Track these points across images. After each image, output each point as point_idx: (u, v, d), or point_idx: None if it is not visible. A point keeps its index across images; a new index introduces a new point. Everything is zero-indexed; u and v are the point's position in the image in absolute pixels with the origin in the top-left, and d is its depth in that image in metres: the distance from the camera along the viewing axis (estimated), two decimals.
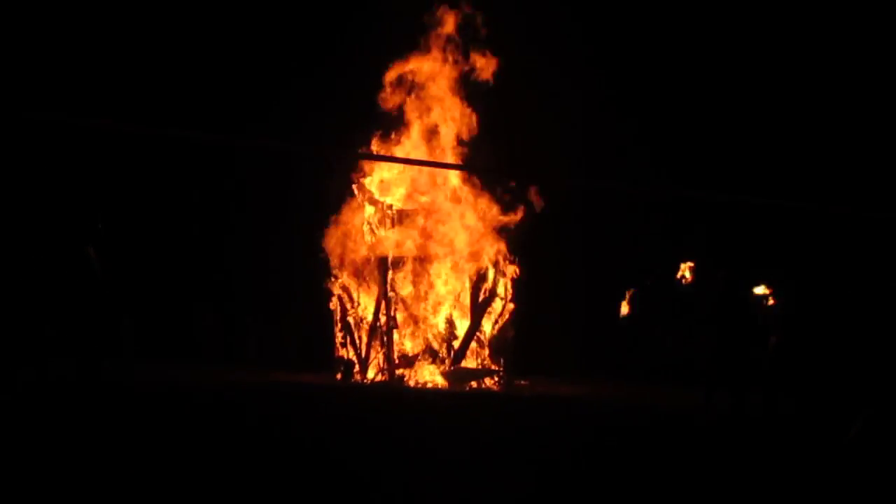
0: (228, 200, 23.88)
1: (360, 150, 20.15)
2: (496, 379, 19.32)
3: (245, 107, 23.15)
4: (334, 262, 20.05)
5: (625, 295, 14.00)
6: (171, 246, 23.99)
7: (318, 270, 20.54)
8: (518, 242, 20.04)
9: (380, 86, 20.22)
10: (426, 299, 19.74)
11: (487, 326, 19.75)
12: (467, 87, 20.20)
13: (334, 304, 20.06)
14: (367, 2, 21.39)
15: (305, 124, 22.57)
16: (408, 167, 20.21)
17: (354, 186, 20.23)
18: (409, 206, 20.23)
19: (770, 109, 23.59)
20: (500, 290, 19.88)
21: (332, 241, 20.00)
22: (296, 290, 23.23)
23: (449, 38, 20.20)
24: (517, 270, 20.01)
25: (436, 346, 19.44)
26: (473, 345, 19.60)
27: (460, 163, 19.94)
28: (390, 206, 20.19)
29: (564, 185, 22.57)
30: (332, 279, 20.08)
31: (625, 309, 13.83)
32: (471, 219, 19.91)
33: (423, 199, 20.24)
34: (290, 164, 22.50)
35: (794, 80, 23.44)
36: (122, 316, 19.30)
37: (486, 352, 19.65)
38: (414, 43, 20.26)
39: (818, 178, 22.24)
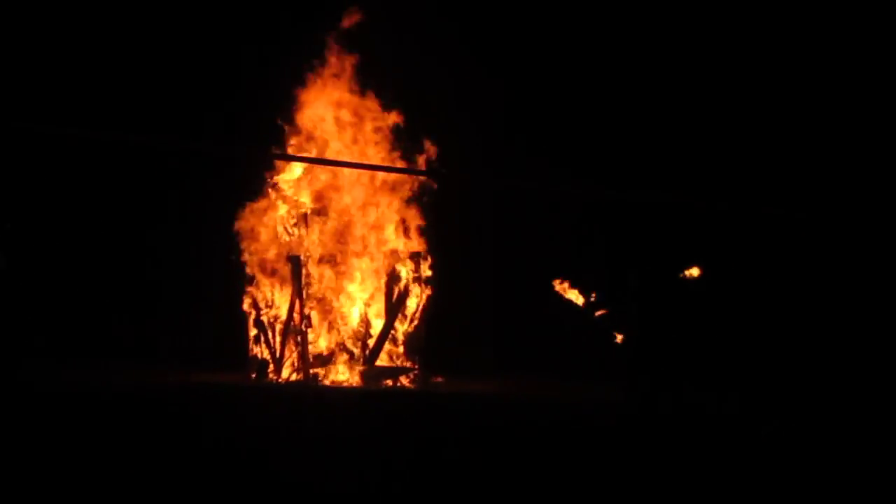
0: (140, 199, 23.54)
1: (274, 150, 20.03)
2: (411, 377, 19.40)
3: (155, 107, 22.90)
4: (247, 260, 19.96)
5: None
6: (83, 245, 23.60)
7: (231, 269, 20.43)
8: (434, 240, 20.14)
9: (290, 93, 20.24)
10: (340, 298, 19.75)
11: (402, 324, 19.82)
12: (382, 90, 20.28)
13: (248, 304, 19.95)
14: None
15: (215, 126, 22.40)
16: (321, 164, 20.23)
17: (268, 185, 20.14)
18: (322, 205, 20.21)
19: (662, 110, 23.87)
20: (415, 287, 19.96)
21: (245, 240, 19.89)
22: (209, 289, 23.01)
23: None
24: (431, 268, 20.11)
25: (350, 344, 19.46)
26: (388, 343, 19.66)
27: (381, 162, 19.91)
28: (303, 205, 20.14)
29: (486, 184, 22.77)
30: (246, 278, 19.98)
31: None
32: (385, 217, 19.96)
33: (337, 197, 20.23)
34: (204, 163, 22.28)
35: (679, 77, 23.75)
36: (28, 316, 19.09)
37: (401, 350, 19.72)
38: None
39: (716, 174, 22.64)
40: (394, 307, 19.79)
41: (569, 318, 21.45)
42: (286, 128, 20.20)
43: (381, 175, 19.98)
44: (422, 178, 19.92)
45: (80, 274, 23.46)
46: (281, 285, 19.84)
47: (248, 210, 20.09)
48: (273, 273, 19.93)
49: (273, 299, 19.88)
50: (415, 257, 20.09)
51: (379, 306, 19.87)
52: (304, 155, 19.85)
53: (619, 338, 15.08)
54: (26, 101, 21.82)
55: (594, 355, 19.83)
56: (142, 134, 18.22)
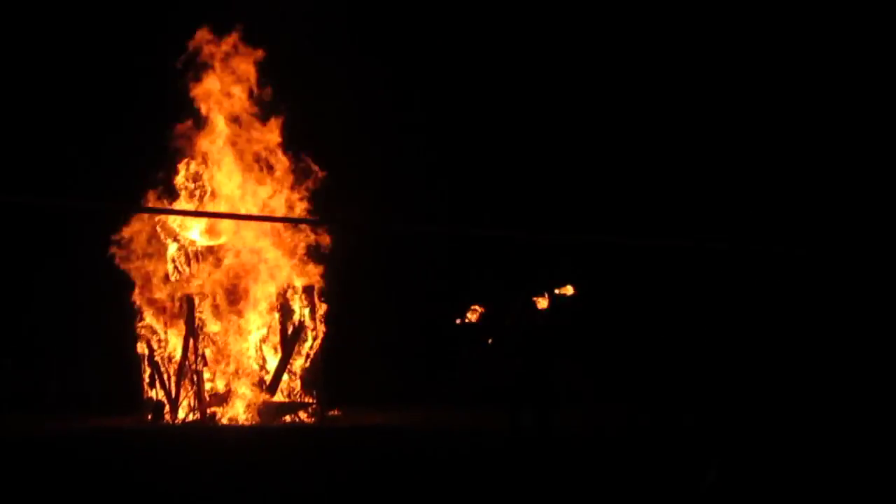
0: (24, 241, 23.17)
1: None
2: (309, 411, 19.40)
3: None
4: (139, 301, 19.77)
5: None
6: None
7: (122, 310, 20.22)
8: (327, 273, 20.22)
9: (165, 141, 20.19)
10: (235, 336, 19.67)
11: (298, 359, 19.83)
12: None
13: (141, 345, 19.75)
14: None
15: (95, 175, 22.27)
16: (210, 203, 20.18)
17: (156, 224, 20.00)
18: (212, 243, 20.13)
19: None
20: (309, 322, 20.00)
21: (135, 280, 19.71)
22: (98, 331, 22.72)
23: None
24: (325, 302, 20.18)
25: (246, 382, 19.38)
26: (285, 378, 19.64)
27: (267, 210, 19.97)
28: (193, 243, 20.05)
29: (365, 229, 22.98)
30: (138, 319, 19.78)
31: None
32: (276, 252, 19.97)
33: (228, 232, 20.17)
34: (86, 212, 22.05)
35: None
36: None
37: (299, 384, 19.72)
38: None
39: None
40: (289, 342, 19.79)
41: (461, 346, 21.89)
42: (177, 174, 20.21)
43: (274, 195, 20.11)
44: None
45: None
46: (174, 324, 19.70)
47: (137, 250, 19.95)
48: (165, 312, 19.78)
49: (166, 339, 19.71)
50: (308, 291, 20.13)
51: (274, 342, 19.85)
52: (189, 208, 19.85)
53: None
54: None
55: (486, 383, 20.24)
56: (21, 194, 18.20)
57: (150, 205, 19.92)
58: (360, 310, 22.41)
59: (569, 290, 14.18)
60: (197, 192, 20.12)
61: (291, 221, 20.33)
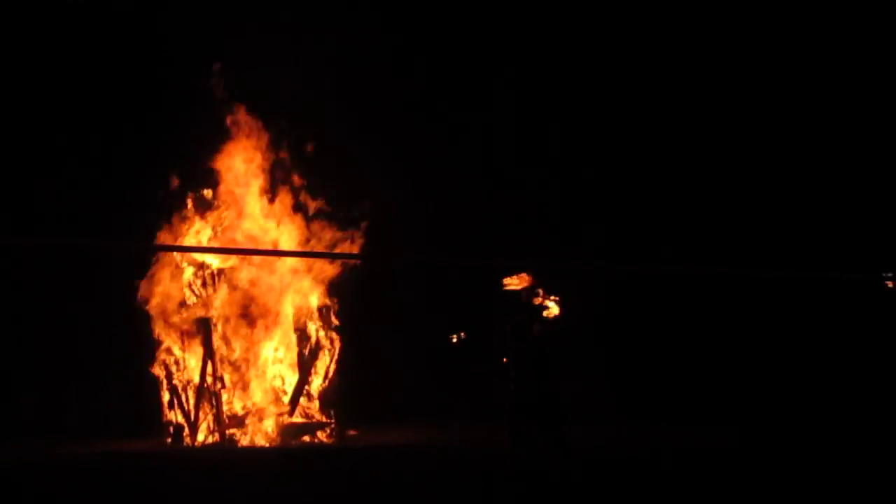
0: (41, 265, 23.32)
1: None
2: (328, 431, 19.45)
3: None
4: (157, 325, 19.87)
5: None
6: None
7: (141, 334, 20.33)
8: (343, 293, 20.31)
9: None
10: (252, 357, 19.74)
11: (316, 379, 19.89)
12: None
13: (159, 367, 19.84)
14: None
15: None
16: (224, 223, 20.30)
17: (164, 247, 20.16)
18: (227, 265, 20.21)
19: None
20: (326, 342, 20.06)
21: (153, 304, 19.82)
22: (118, 355, 22.84)
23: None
24: (341, 322, 20.24)
25: (264, 403, 19.44)
26: (303, 399, 19.71)
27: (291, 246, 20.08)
28: (208, 266, 20.15)
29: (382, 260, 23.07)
30: (156, 342, 19.88)
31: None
32: (293, 274, 20.05)
33: (238, 259, 20.24)
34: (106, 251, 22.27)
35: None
36: None
37: (317, 405, 19.78)
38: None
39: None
40: (306, 363, 19.86)
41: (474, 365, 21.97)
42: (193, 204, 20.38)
43: (288, 234, 20.18)
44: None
45: None
46: (192, 347, 19.78)
47: (153, 273, 20.08)
48: (182, 335, 19.87)
49: (184, 362, 19.80)
50: (324, 311, 20.21)
51: (291, 362, 19.92)
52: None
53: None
54: None
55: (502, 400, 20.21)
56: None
57: (165, 234, 20.07)
58: (376, 329, 22.49)
59: (554, 310, 14.14)
60: (210, 217, 20.27)
61: (311, 256, 20.40)
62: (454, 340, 15.21)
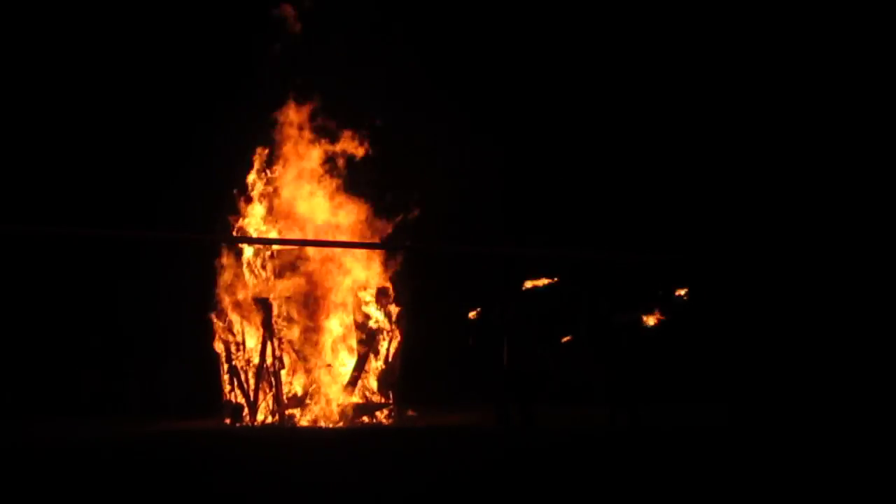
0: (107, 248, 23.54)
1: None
2: (386, 412, 19.45)
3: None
4: (217, 305, 19.96)
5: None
6: (47, 295, 23.55)
7: (200, 314, 20.45)
8: (403, 274, 20.25)
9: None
10: (311, 338, 19.77)
11: (375, 360, 19.87)
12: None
13: (219, 347, 19.92)
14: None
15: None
16: (285, 200, 20.31)
17: (232, 228, 20.17)
18: (288, 245, 20.22)
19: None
20: (384, 323, 20.03)
21: (214, 285, 19.90)
22: (178, 335, 23.01)
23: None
24: (400, 304, 20.18)
25: (324, 383, 19.46)
26: (362, 380, 19.70)
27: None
28: (268, 246, 20.17)
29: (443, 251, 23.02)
30: (217, 323, 19.96)
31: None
32: (353, 255, 20.03)
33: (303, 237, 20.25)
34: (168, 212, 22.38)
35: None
36: None
37: (375, 385, 19.77)
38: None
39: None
40: (365, 343, 19.84)
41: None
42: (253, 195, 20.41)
43: (347, 215, 20.15)
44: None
45: (43, 328, 23.40)
46: (252, 328, 19.84)
47: (215, 254, 20.17)
48: (243, 316, 19.94)
49: (244, 342, 19.87)
50: (383, 293, 20.17)
51: (350, 343, 19.92)
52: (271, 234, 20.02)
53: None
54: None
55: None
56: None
57: (231, 217, 20.14)
58: (436, 310, 22.42)
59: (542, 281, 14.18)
60: (271, 199, 20.28)
61: (372, 247, 20.32)
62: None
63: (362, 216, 20.17)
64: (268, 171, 20.33)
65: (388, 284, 20.20)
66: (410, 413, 19.65)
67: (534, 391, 13.77)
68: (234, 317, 19.89)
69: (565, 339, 14.54)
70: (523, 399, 13.59)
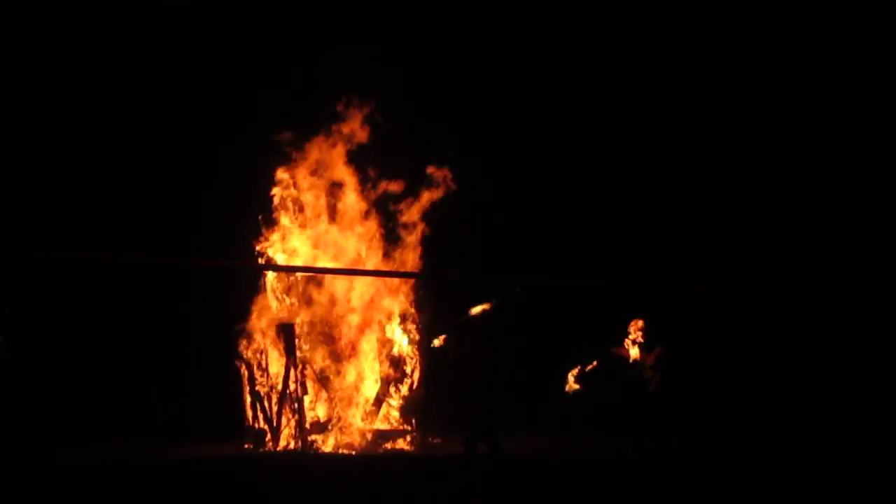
0: (127, 268, 23.59)
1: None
2: (409, 439, 19.36)
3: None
4: (241, 330, 19.97)
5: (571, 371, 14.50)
6: (71, 319, 23.62)
7: (223, 339, 20.47)
8: (427, 298, 20.20)
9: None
10: (334, 363, 19.74)
11: (400, 387, 19.79)
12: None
13: (242, 374, 19.90)
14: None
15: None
16: (310, 227, 20.34)
17: (255, 254, 20.22)
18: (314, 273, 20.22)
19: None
20: (407, 350, 19.97)
21: (238, 310, 19.94)
22: (201, 360, 23.04)
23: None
24: (423, 330, 20.11)
25: (346, 410, 19.40)
26: (385, 406, 19.63)
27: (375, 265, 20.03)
28: (293, 273, 20.17)
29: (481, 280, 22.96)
30: (239, 348, 19.96)
31: (571, 384, 14.25)
32: (377, 281, 20.00)
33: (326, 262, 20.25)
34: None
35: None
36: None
37: (398, 412, 19.69)
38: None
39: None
40: (388, 371, 19.79)
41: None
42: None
43: (370, 241, 20.16)
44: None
45: (65, 352, 23.46)
46: (275, 353, 19.82)
47: (237, 279, 20.23)
48: (266, 341, 19.93)
49: (267, 367, 19.84)
50: (406, 319, 20.12)
51: (373, 369, 19.85)
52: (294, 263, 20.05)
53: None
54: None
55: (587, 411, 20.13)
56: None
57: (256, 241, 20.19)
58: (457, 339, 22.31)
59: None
60: (295, 217, 20.33)
61: (403, 276, 20.32)
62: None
63: (385, 244, 20.18)
64: (293, 192, 20.37)
65: (414, 311, 20.14)
66: (436, 440, 19.54)
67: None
68: (257, 342, 19.87)
69: (590, 368, 14.48)
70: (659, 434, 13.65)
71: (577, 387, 14.24)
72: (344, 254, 20.03)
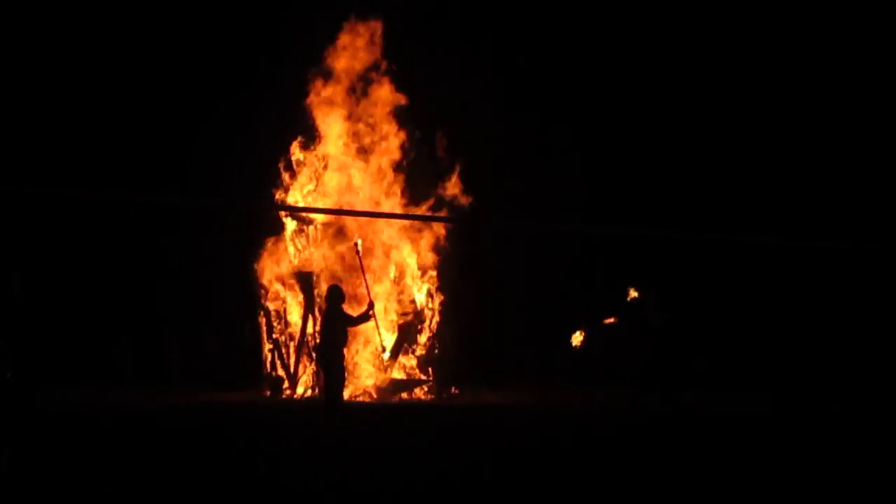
0: (151, 219, 23.62)
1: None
2: (426, 389, 19.35)
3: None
4: (260, 279, 19.95)
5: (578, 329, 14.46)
6: (93, 270, 23.70)
7: (242, 288, 20.46)
8: (447, 251, 20.10)
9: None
10: (352, 313, 19.64)
11: (418, 338, 19.75)
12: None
13: (261, 322, 19.91)
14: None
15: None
16: (330, 179, 20.23)
17: (276, 202, 20.15)
18: (332, 220, 20.12)
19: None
20: (425, 300, 19.90)
21: (257, 259, 19.90)
22: (220, 309, 23.07)
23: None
24: (442, 280, 20.05)
25: (364, 359, 19.38)
26: (403, 356, 19.61)
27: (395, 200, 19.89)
28: (312, 221, 20.08)
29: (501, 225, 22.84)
30: (259, 296, 19.95)
31: (577, 340, 14.18)
32: (394, 230, 19.91)
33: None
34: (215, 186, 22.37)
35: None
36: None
37: (415, 362, 19.66)
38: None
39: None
40: (406, 320, 19.74)
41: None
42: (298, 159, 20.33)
43: (390, 189, 20.03)
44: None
45: (85, 297, 23.56)
46: (294, 302, 19.79)
47: (257, 229, 20.16)
48: (285, 290, 19.89)
49: (286, 317, 19.82)
50: (425, 270, 20.04)
51: (392, 319, 19.81)
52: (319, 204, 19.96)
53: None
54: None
55: (601, 364, 20.12)
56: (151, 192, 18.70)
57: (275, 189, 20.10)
58: (478, 289, 22.31)
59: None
60: (315, 170, 20.20)
61: (419, 219, 20.19)
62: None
63: (408, 188, 20.05)
64: (313, 143, 20.26)
65: (434, 261, 20.03)
66: (454, 391, 19.53)
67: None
68: (276, 290, 19.84)
69: (608, 321, 14.41)
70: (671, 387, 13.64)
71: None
72: (367, 201, 19.92)
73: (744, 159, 23.78)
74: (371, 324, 19.69)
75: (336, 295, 13.34)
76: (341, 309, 13.34)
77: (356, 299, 18.53)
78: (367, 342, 19.41)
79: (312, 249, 19.88)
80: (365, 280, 14.50)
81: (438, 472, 10.21)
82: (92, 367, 22.60)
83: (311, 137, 20.30)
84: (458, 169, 19.99)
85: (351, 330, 16.48)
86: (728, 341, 22.55)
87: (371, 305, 12.86)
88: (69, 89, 23.38)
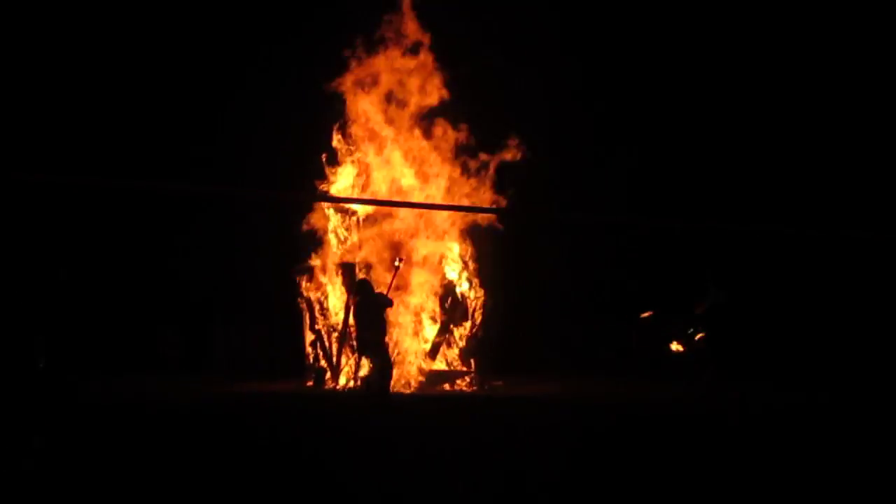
0: (194, 209, 23.69)
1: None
2: (468, 380, 19.30)
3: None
4: (302, 269, 19.99)
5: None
6: (135, 258, 23.83)
7: (285, 279, 20.51)
8: (490, 239, 20.04)
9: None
10: (395, 304, 19.64)
11: (458, 329, 19.71)
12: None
13: (304, 313, 19.95)
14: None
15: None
16: (370, 167, 20.23)
17: (318, 194, 20.18)
18: (374, 211, 20.13)
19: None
20: (468, 291, 19.86)
21: (300, 250, 19.94)
22: (262, 299, 23.14)
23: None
24: (485, 272, 19.99)
25: (406, 350, 19.37)
26: (445, 347, 19.57)
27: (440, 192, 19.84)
28: (355, 213, 20.10)
29: (546, 218, 22.80)
30: (301, 287, 19.99)
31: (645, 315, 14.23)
32: (437, 221, 19.88)
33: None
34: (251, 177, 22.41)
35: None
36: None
37: (458, 353, 19.62)
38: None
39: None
40: (449, 311, 19.72)
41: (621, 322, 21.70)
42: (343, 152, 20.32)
43: (433, 183, 19.98)
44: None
45: (130, 288, 23.71)
46: (336, 293, 19.82)
47: (302, 221, 20.20)
48: (327, 280, 19.93)
49: (328, 307, 19.86)
50: (468, 261, 19.99)
51: (434, 310, 19.78)
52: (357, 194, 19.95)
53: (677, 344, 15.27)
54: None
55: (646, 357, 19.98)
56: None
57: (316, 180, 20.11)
58: (523, 280, 22.26)
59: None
60: (356, 161, 20.20)
61: (460, 210, 20.15)
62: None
63: (453, 179, 19.98)
64: (354, 133, 20.26)
65: (476, 252, 19.98)
66: (497, 383, 19.47)
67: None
68: (318, 281, 19.88)
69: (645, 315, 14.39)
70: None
71: None
72: (410, 192, 19.89)
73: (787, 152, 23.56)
74: (411, 318, 19.76)
75: (365, 287, 13.32)
76: (375, 296, 13.33)
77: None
78: (413, 332, 19.43)
79: (355, 240, 19.89)
80: (390, 287, 14.58)
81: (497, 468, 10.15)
82: (137, 358, 22.73)
83: (348, 126, 20.32)
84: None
85: (391, 320, 16.56)
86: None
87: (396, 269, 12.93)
88: (111, 84, 23.46)
